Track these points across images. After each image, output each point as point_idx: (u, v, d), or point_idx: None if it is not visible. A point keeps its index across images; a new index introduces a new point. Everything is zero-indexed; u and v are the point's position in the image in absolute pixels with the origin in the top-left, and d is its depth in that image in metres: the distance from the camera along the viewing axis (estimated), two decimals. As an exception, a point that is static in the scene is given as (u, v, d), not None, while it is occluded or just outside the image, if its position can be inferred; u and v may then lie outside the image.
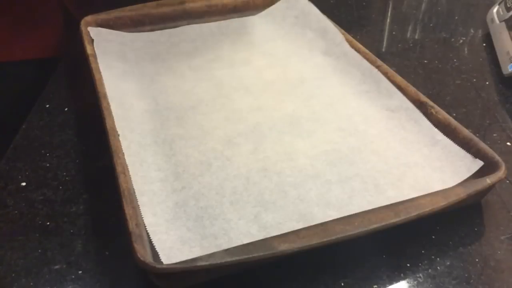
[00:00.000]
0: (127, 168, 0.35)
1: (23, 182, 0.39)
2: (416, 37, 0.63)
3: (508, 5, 0.57)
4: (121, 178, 0.34)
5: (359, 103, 0.46)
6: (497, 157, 0.36)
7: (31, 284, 0.31)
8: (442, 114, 0.41)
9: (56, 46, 0.58)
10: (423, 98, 0.43)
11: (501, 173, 0.35)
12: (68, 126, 0.45)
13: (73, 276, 0.32)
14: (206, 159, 0.40)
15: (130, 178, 0.35)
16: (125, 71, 0.49)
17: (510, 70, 0.51)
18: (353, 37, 0.53)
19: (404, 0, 0.73)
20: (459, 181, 0.37)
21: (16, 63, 0.60)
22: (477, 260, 0.33)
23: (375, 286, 0.32)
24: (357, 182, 0.38)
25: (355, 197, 0.36)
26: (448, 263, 0.33)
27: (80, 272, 0.32)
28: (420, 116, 0.42)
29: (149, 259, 0.29)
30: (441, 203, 0.33)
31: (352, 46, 0.51)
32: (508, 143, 0.44)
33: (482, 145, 0.38)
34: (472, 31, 0.64)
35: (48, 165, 0.41)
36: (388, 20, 0.68)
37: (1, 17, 0.53)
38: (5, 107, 0.60)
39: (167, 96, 0.47)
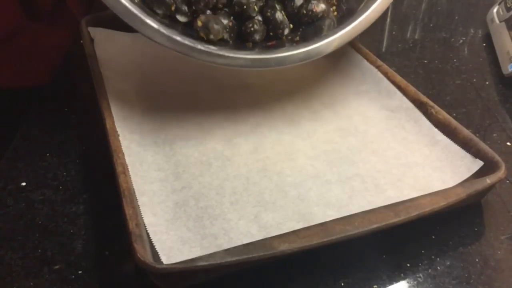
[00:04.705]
0: (127, 168, 0.35)
1: (23, 182, 0.39)
2: (416, 37, 0.63)
3: (508, 5, 0.57)
4: (121, 178, 0.34)
5: (359, 103, 0.46)
6: (497, 157, 0.36)
7: (31, 284, 0.31)
8: (442, 114, 0.41)
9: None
10: (423, 98, 0.43)
11: (501, 173, 0.35)
12: (68, 126, 0.45)
13: (73, 276, 0.32)
14: (206, 159, 0.40)
15: (130, 178, 0.35)
16: (125, 71, 0.49)
17: (510, 70, 0.51)
18: (353, 37, 0.53)
19: (404, 0, 0.73)
20: (459, 181, 0.37)
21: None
22: (477, 260, 0.33)
23: (375, 286, 0.32)
24: (357, 182, 0.38)
25: (355, 197, 0.36)
26: (448, 263, 0.33)
27: (80, 272, 0.32)
28: (420, 116, 0.42)
29: (149, 259, 0.29)
30: (441, 203, 0.33)
31: (352, 46, 0.51)
32: (508, 143, 0.44)
33: (482, 145, 0.38)
34: (472, 31, 0.64)
35: (48, 165, 0.41)
36: (388, 20, 0.68)
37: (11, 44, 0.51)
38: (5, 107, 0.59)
39: (167, 96, 0.47)
